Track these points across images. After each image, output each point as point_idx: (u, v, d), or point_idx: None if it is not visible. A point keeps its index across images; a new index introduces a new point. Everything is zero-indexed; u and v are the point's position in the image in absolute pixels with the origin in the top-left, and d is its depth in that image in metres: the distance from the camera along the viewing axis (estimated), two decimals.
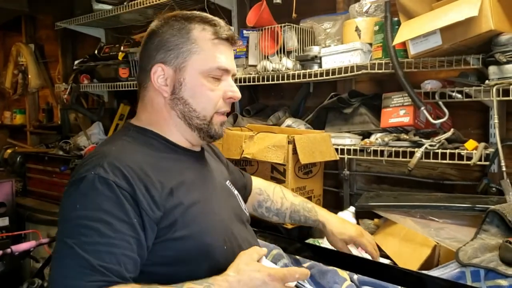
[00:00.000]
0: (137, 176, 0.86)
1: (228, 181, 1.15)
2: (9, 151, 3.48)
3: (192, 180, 0.97)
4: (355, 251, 1.26)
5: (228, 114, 2.20)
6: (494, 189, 1.49)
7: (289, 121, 1.87)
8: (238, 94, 1.01)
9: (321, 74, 1.71)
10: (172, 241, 0.87)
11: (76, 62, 3.05)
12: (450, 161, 1.41)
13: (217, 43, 0.98)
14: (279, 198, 1.35)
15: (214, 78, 0.98)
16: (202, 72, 0.96)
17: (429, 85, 1.51)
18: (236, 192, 1.15)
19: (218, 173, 1.12)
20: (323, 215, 1.30)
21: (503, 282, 1.04)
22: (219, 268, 0.89)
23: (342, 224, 1.28)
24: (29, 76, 3.86)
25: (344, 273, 1.22)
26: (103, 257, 0.78)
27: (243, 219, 1.11)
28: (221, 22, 1.01)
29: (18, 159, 3.38)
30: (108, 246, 0.79)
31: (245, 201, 1.31)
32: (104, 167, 0.85)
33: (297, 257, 1.34)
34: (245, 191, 1.33)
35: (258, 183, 1.38)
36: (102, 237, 0.79)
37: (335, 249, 1.39)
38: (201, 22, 0.99)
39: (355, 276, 1.20)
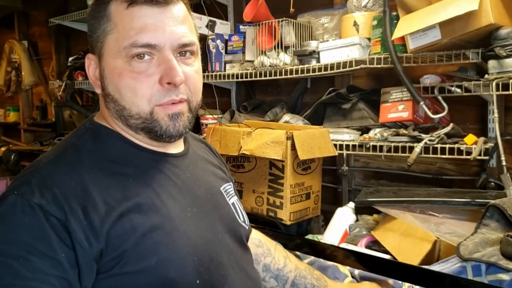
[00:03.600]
0: (74, 196, 0.67)
1: (223, 187, 0.93)
2: (3, 149, 3.47)
3: (157, 195, 0.75)
4: None
5: (224, 111, 2.20)
6: (492, 183, 1.49)
7: (287, 117, 1.86)
8: (176, 77, 0.73)
9: (319, 69, 1.69)
10: (120, 276, 0.68)
11: (70, 58, 3.03)
12: (449, 156, 1.41)
13: (134, 11, 0.73)
14: (282, 257, 1.07)
15: (139, 61, 0.73)
16: (118, 56, 0.73)
17: (428, 79, 1.50)
18: (233, 200, 0.94)
19: (207, 177, 0.90)
20: (333, 286, 1.08)
21: (504, 276, 1.04)
22: None
23: None
24: (23, 73, 3.83)
25: (344, 269, 1.22)
26: None
27: (238, 235, 0.90)
28: None
29: (12, 157, 3.36)
30: None
31: None
32: (32, 185, 0.67)
33: (298, 253, 1.34)
34: None
35: (257, 233, 1.10)
36: (17, 278, 0.61)
37: (335, 245, 1.39)
38: None
39: (356, 271, 1.20)
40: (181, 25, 0.76)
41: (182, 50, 0.77)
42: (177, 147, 0.86)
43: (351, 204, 1.61)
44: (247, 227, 0.96)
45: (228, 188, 0.95)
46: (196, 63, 0.80)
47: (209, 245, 0.79)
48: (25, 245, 0.63)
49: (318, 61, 1.74)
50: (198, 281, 0.74)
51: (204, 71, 2.09)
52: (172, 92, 0.75)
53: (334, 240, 1.53)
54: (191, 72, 0.78)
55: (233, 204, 0.93)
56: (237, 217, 0.93)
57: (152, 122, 0.75)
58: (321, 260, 1.26)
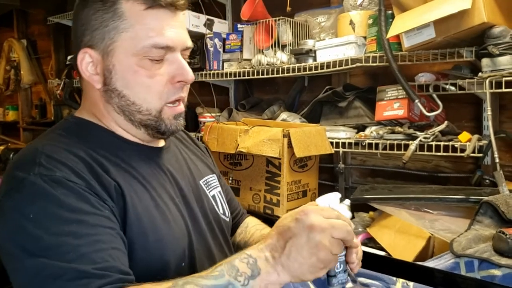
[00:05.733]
0: (83, 170, 0.71)
1: (204, 179, 0.96)
2: (1, 147, 3.47)
3: (148, 183, 0.79)
4: None
5: (222, 109, 2.20)
6: (487, 181, 1.50)
7: (284, 115, 1.88)
8: (189, 76, 0.79)
9: (316, 68, 1.71)
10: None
11: (69, 57, 3.02)
12: (444, 153, 1.42)
13: (151, 13, 0.76)
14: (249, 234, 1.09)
15: (152, 60, 0.76)
16: (134, 54, 0.76)
17: (423, 78, 1.52)
18: (214, 192, 0.97)
19: (187, 169, 0.93)
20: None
21: (496, 271, 1.05)
22: None
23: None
24: (22, 72, 3.84)
25: None
26: (92, 258, 0.62)
27: (217, 227, 0.93)
28: None
29: (11, 155, 3.36)
30: (92, 245, 0.63)
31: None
32: (44, 164, 0.68)
33: None
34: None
35: (252, 220, 1.14)
36: (81, 238, 0.63)
37: None
38: None
39: None
40: (185, 29, 0.81)
41: (185, 53, 0.81)
42: (161, 141, 0.90)
43: (347, 201, 1.62)
44: (227, 219, 0.98)
45: (210, 180, 0.98)
46: None
47: (192, 233, 0.83)
48: (72, 210, 0.65)
49: (315, 59, 1.75)
50: (183, 264, 0.79)
51: (202, 69, 2.12)
52: (179, 90, 0.81)
53: None
54: None
55: (213, 196, 0.96)
56: (217, 209, 0.95)
57: (158, 120, 0.80)
58: None
